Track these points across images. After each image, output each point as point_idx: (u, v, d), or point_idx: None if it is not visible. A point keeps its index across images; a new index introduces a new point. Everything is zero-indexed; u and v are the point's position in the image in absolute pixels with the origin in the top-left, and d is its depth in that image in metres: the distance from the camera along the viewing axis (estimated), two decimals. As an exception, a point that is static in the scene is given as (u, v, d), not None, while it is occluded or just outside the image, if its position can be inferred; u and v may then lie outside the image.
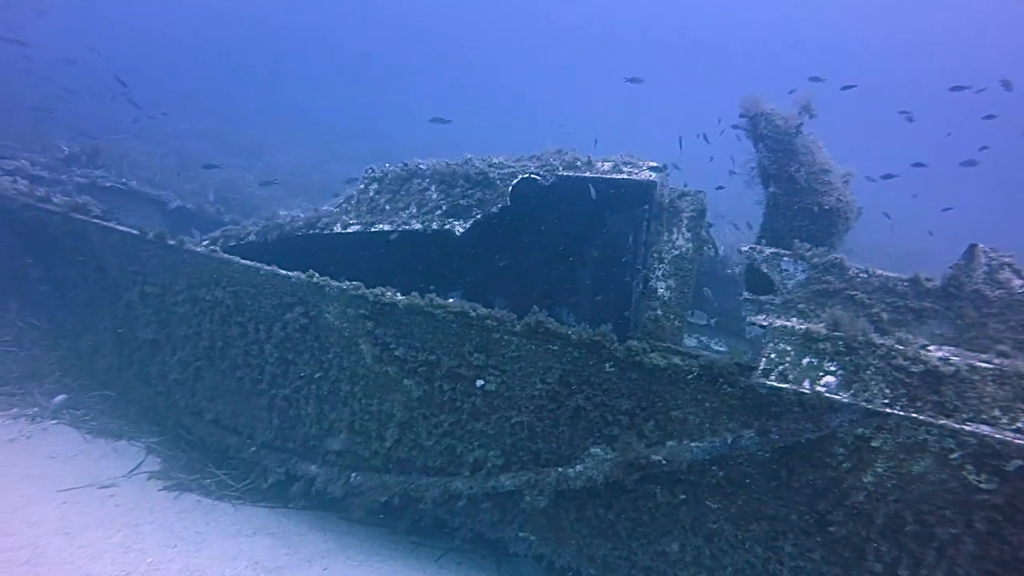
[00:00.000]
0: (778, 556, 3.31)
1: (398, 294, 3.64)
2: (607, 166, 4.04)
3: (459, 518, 3.98)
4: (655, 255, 3.88)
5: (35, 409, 5.50)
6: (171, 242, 4.47)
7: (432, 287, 4.01)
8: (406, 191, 4.51)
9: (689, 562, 3.48)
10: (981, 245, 3.29)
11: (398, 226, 4.32)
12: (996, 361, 2.93)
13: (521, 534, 3.85)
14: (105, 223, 4.78)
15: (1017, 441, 2.79)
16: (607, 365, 3.34)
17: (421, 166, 4.55)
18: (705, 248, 4.30)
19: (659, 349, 3.33)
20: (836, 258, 3.36)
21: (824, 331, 3.03)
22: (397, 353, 3.68)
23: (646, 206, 4.04)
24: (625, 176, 3.94)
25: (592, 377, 3.40)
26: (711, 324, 5.23)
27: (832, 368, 3.03)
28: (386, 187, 4.58)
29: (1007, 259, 3.22)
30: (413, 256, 4.25)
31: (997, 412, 2.85)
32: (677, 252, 3.90)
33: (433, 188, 4.45)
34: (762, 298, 3.48)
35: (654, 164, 4.03)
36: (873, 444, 3.04)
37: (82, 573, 3.61)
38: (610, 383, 3.37)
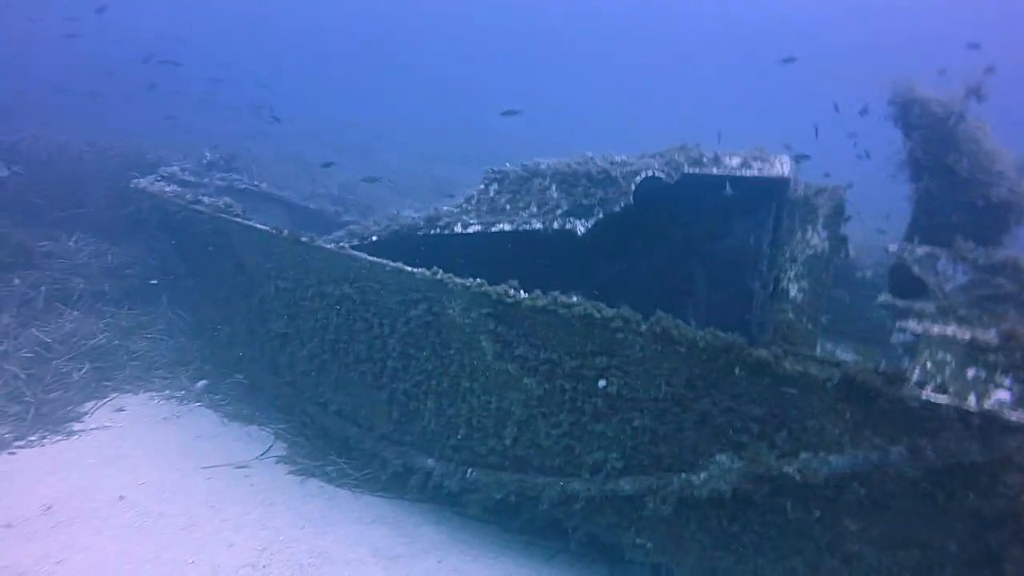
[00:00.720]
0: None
1: (521, 292, 3.64)
2: (735, 161, 3.86)
3: (575, 520, 3.92)
4: (787, 255, 3.65)
5: (182, 392, 6.03)
6: (303, 239, 4.72)
7: (553, 288, 3.99)
8: (526, 190, 4.52)
9: (814, 585, 3.24)
10: None
11: (519, 226, 4.34)
12: None
13: (638, 541, 3.74)
14: (246, 222, 5.13)
15: None
16: (736, 370, 3.18)
17: (541, 166, 4.55)
18: (842, 248, 4.01)
19: (793, 354, 3.13)
20: (1010, 257, 3.01)
21: (995, 340, 2.73)
22: (518, 351, 3.69)
23: (773, 204, 3.82)
24: (756, 172, 3.74)
25: (720, 382, 3.24)
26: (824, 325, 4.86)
27: (1006, 383, 2.72)
28: (507, 187, 4.61)
29: None
30: (534, 256, 4.25)
31: None
32: (811, 252, 3.65)
33: (554, 187, 4.43)
34: (915, 303, 3.18)
35: (787, 158, 3.80)
36: (1054, 471, 2.70)
37: (227, 543, 3.89)
38: (739, 389, 3.21)
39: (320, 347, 4.97)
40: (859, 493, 3.10)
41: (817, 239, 3.70)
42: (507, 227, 4.37)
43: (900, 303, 3.32)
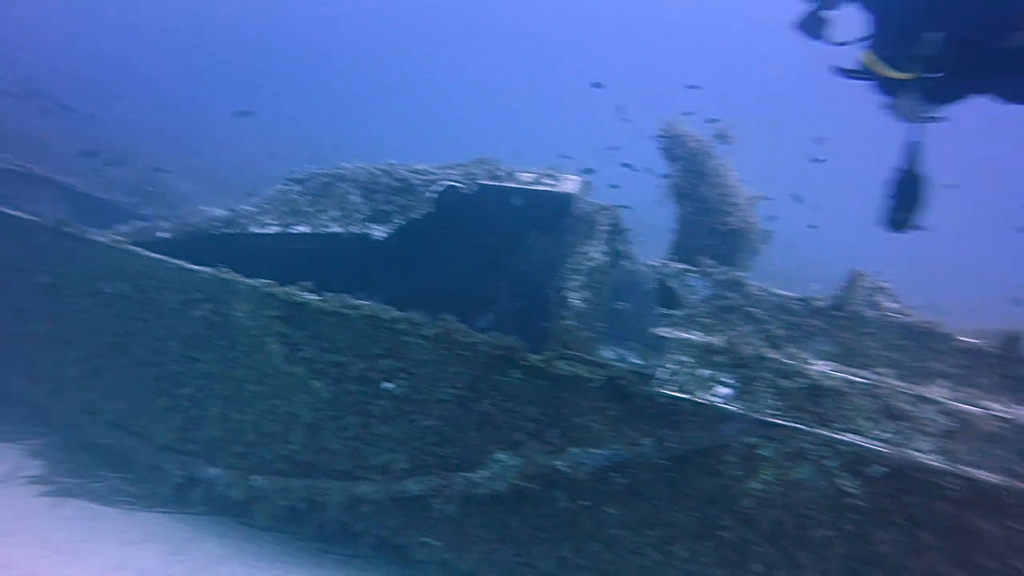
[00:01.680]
0: (671, 560, 3.43)
1: (310, 294, 3.60)
2: (528, 177, 4.15)
3: (364, 523, 3.93)
4: (570, 267, 3.99)
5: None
6: (70, 230, 4.25)
7: (356, 294, 3.99)
8: (329, 194, 4.47)
9: (587, 567, 3.55)
10: (860, 271, 3.56)
11: (317, 228, 4.27)
12: (868, 376, 3.17)
13: (426, 540, 3.83)
14: (-3, 207, 4.50)
15: (879, 449, 3.03)
16: (515, 372, 3.41)
17: (345, 170, 4.53)
18: (622, 262, 4.47)
19: (567, 358, 3.43)
20: (737, 276, 3.56)
21: (721, 344, 3.20)
22: (306, 354, 3.63)
23: (562, 219, 4.16)
24: (543, 188, 4.05)
25: (500, 384, 3.45)
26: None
27: (727, 380, 3.20)
28: (309, 189, 4.53)
29: (883, 285, 3.50)
30: (335, 262, 4.22)
31: (866, 423, 3.08)
32: (592, 264, 4.03)
33: (357, 193, 4.43)
34: (672, 312, 3.64)
35: (574, 177, 4.16)
36: (761, 453, 3.22)
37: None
38: (517, 390, 3.44)
39: (92, 350, 4.49)
40: (619, 483, 3.46)
41: (598, 253, 4.09)
42: (306, 229, 4.29)
43: (663, 312, 3.78)
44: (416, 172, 4.34)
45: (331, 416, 3.76)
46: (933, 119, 2.95)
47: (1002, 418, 3.00)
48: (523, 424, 3.46)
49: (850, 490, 3.12)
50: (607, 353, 4.05)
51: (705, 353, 3.24)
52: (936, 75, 2.73)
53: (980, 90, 2.87)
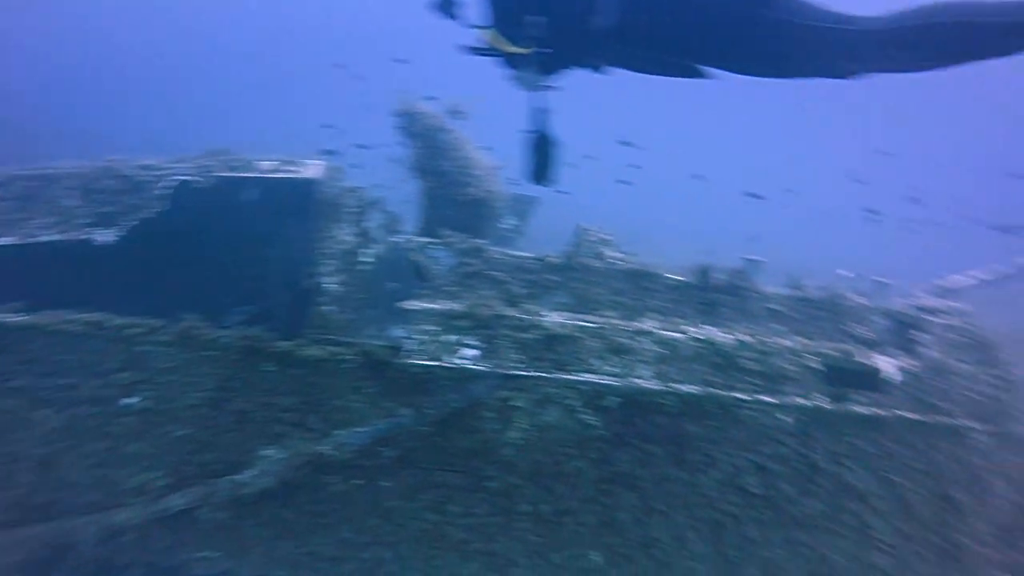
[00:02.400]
0: (448, 519, 3.62)
1: (13, 315, 3.18)
2: (268, 166, 4.01)
3: (128, 554, 3.62)
4: (322, 252, 3.95)
5: None
6: None
7: (81, 309, 3.59)
8: (37, 199, 3.95)
9: (369, 543, 3.63)
10: (585, 225, 3.96)
11: (25, 239, 3.77)
12: (597, 320, 3.57)
13: (201, 554, 3.64)
14: None
15: (613, 383, 3.44)
16: (266, 364, 3.33)
17: (55, 170, 4.02)
18: (383, 240, 4.51)
19: (319, 342, 3.42)
20: (476, 243, 3.78)
21: (462, 309, 3.39)
22: (19, 383, 3.22)
23: (309, 205, 4.09)
24: (285, 176, 3.95)
25: (252, 379, 3.35)
26: None
27: (472, 342, 3.40)
28: (10, 194, 3.96)
29: (607, 236, 3.93)
30: (51, 275, 3.75)
31: (597, 361, 3.48)
32: (344, 247, 4.03)
33: (74, 195, 3.96)
34: (423, 285, 3.76)
35: (317, 162, 4.10)
36: (515, 404, 3.49)
37: None
38: (270, 382, 3.36)
39: None
40: (389, 456, 3.55)
41: (348, 235, 4.10)
42: (13, 240, 3.76)
43: (417, 286, 3.89)
44: (144, 168, 3.99)
45: (67, 446, 3.39)
46: (550, 87, 3.37)
47: (698, 339, 3.55)
48: (283, 415, 3.40)
49: (593, 423, 3.51)
50: (374, 333, 4.10)
51: (449, 319, 3.41)
52: (548, 50, 3.11)
53: (589, 63, 3.33)
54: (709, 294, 3.86)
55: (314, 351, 3.35)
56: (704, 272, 3.84)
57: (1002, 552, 4.71)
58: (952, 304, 4.30)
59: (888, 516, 3.84)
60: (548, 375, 3.44)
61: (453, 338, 3.41)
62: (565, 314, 3.60)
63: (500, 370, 3.39)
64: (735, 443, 3.63)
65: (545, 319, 3.47)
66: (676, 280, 3.86)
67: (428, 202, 4.08)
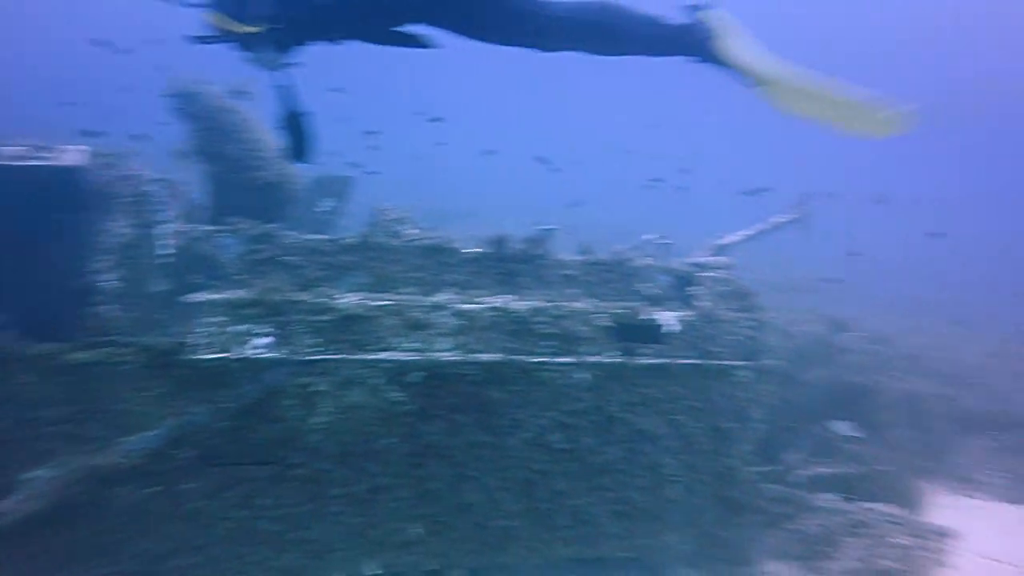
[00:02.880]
0: (257, 513, 3.52)
1: None
2: (15, 151, 3.55)
3: None
4: (92, 247, 3.61)
5: None
6: None
7: None
8: None
9: (174, 550, 3.44)
10: (382, 205, 3.98)
11: None
12: (394, 297, 3.61)
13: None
14: None
15: (415, 358, 3.52)
16: (25, 375, 3.00)
17: None
18: (156, 234, 4.19)
19: (91, 345, 3.13)
20: (267, 228, 3.65)
21: (250, 296, 3.28)
22: None
23: (75, 195, 3.70)
24: (40, 163, 3.53)
25: (10, 392, 3.01)
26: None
27: (264, 330, 3.30)
28: None
29: (403, 215, 3.98)
30: None
31: (397, 339, 3.53)
32: (121, 240, 3.70)
33: None
34: (213, 275, 3.57)
35: (77, 147, 3.70)
36: (317, 388, 3.45)
37: None
38: (35, 394, 3.04)
39: None
40: (187, 456, 3.36)
41: (126, 227, 3.77)
42: None
43: (207, 277, 3.69)
44: None
45: None
46: (290, 64, 3.38)
47: (495, 308, 3.73)
48: (51, 429, 3.09)
49: (398, 399, 3.57)
50: (159, 330, 3.82)
51: (238, 309, 3.28)
52: (279, 26, 3.11)
53: (323, 36, 3.38)
54: (506, 264, 4.05)
55: (84, 355, 3.06)
56: (500, 243, 4.02)
57: (759, 466, 5.50)
58: (721, 259, 4.87)
59: (674, 452, 4.32)
60: (348, 357, 3.43)
61: (243, 328, 3.28)
62: (362, 294, 3.60)
63: (296, 356, 3.33)
64: (537, 404, 3.88)
65: (341, 301, 3.45)
66: (473, 253, 4.00)
67: (215, 189, 3.85)
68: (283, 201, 4.01)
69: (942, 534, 4.55)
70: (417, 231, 3.94)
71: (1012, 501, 6.18)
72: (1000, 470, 6.47)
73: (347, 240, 3.78)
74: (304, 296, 3.37)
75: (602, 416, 4.06)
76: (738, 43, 3.38)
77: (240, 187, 3.81)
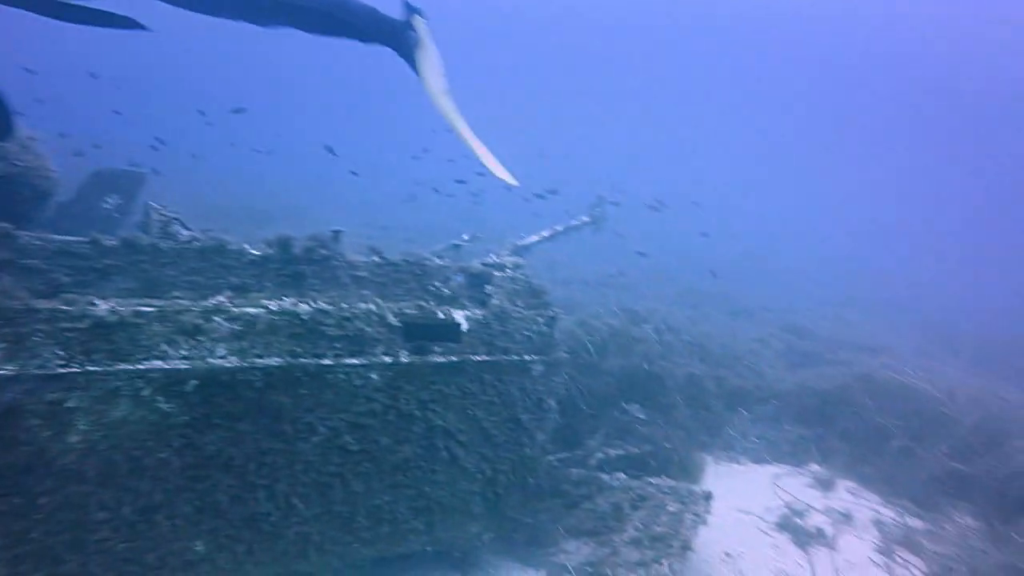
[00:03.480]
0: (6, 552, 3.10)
1: None
2: None
3: None
4: None
5: None
6: None
7: None
8: None
9: None
10: (153, 204, 3.70)
11: None
12: (163, 303, 3.38)
13: None
14: None
15: (184, 366, 3.31)
16: None
17: None
18: None
19: None
20: (4, 227, 3.23)
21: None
22: None
23: None
24: None
25: None
26: None
27: (-5, 344, 2.92)
28: None
29: (175, 215, 3.73)
30: None
31: (165, 346, 3.31)
32: None
33: None
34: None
35: None
36: (69, 405, 3.12)
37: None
38: None
39: None
40: None
41: None
42: None
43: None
44: None
45: None
46: None
47: (278, 311, 3.62)
48: None
49: (170, 410, 3.33)
50: None
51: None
52: None
53: (41, 11, 3.22)
54: (293, 266, 3.96)
55: None
56: (285, 244, 3.91)
57: (560, 453, 5.92)
58: (516, 259, 5.16)
59: (473, 446, 4.49)
60: (107, 368, 3.15)
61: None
62: (125, 300, 3.32)
63: (39, 371, 2.99)
64: (328, 407, 3.83)
65: (98, 308, 3.15)
66: (256, 255, 3.86)
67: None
68: (28, 198, 3.56)
69: (707, 497, 5.19)
70: (193, 231, 3.71)
71: (761, 462, 7.27)
72: (756, 437, 7.55)
73: (107, 241, 3.46)
74: (49, 304, 3.03)
75: (396, 415, 4.11)
76: (428, 58, 3.77)
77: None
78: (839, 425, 7.64)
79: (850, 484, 7.00)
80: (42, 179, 3.66)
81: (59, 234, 5.25)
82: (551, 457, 5.08)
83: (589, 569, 4.64)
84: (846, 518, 6.25)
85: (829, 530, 5.96)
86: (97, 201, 6.33)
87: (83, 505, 3.23)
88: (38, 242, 3.28)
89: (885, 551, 5.76)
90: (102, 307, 3.16)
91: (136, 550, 3.43)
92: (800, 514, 6.07)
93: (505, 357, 4.60)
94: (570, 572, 4.72)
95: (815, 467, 7.25)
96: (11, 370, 2.91)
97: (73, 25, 3.24)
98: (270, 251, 3.89)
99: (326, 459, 3.88)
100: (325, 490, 3.93)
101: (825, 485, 6.87)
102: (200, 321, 3.40)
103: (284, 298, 3.71)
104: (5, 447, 3.01)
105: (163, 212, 3.63)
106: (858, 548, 5.77)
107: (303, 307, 3.69)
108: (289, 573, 3.98)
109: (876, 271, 29.05)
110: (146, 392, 3.28)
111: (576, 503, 5.61)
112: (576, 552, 4.90)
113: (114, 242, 3.48)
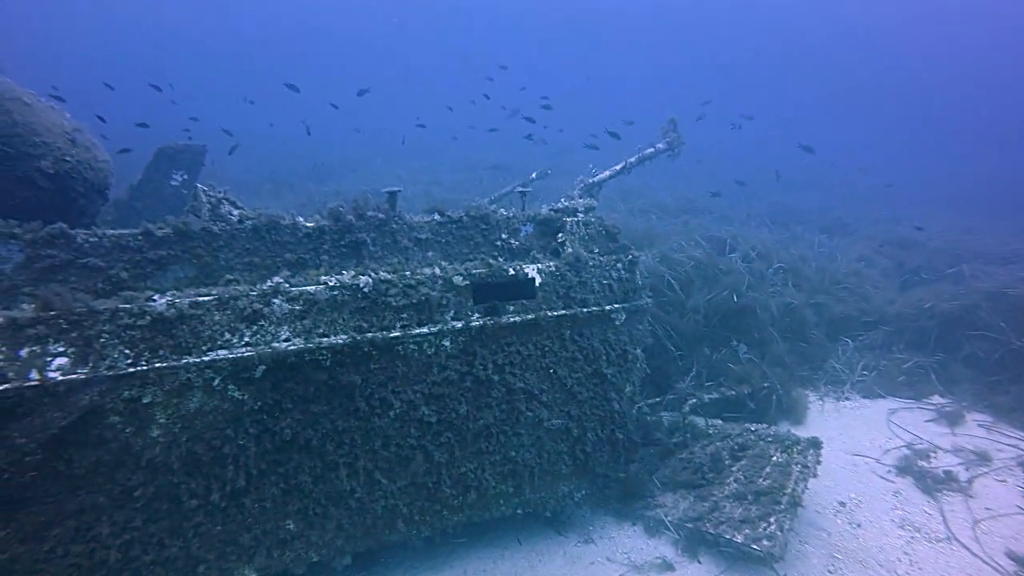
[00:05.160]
0: (101, 543, 3.18)
1: None
2: None
3: None
4: None
5: None
6: None
7: None
8: None
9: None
10: (201, 186, 3.53)
11: None
12: (217, 291, 3.25)
13: None
14: None
15: (250, 353, 3.19)
16: None
17: None
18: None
19: None
20: (56, 228, 3.15)
21: (33, 314, 2.83)
22: None
23: None
24: None
25: None
26: None
27: (60, 349, 2.88)
28: None
29: (223, 194, 3.55)
30: None
31: (228, 334, 3.19)
32: None
33: None
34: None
35: None
36: (145, 401, 3.09)
37: None
38: None
39: None
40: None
41: None
42: None
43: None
44: None
45: None
46: None
47: (338, 285, 3.43)
48: None
49: (242, 398, 3.26)
50: None
51: (14, 330, 2.82)
52: None
53: None
54: (352, 235, 3.73)
55: None
56: (337, 214, 3.68)
57: (650, 400, 5.56)
58: (588, 201, 4.73)
59: (555, 405, 4.25)
60: (175, 362, 3.08)
61: (37, 349, 2.84)
62: (184, 291, 3.21)
63: (109, 372, 2.94)
64: (401, 379, 3.67)
65: (156, 304, 3.05)
66: (310, 227, 3.66)
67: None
68: (83, 194, 3.48)
69: (815, 445, 4.76)
70: (243, 210, 3.54)
71: (873, 397, 6.63)
72: (865, 368, 6.90)
73: (160, 230, 3.34)
74: (110, 303, 2.95)
75: (472, 381, 3.91)
76: None
77: (23, 183, 3.25)
78: (964, 350, 6.86)
79: (982, 417, 6.18)
80: (94, 171, 3.56)
81: (134, 217, 5.22)
82: (640, 407, 4.78)
83: (689, 525, 4.38)
84: (981, 458, 5.47)
85: (961, 472, 5.27)
86: (165, 179, 6.34)
87: (174, 494, 3.25)
88: (94, 239, 3.19)
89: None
90: (160, 302, 3.06)
91: (231, 532, 3.46)
92: (924, 455, 5.47)
93: (584, 309, 4.27)
94: (668, 527, 4.49)
95: (937, 399, 6.52)
96: (84, 373, 2.87)
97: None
98: (324, 222, 3.67)
99: (404, 433, 3.76)
100: (407, 463, 3.83)
101: (951, 419, 6.08)
102: (259, 305, 3.26)
103: (343, 272, 3.51)
104: (93, 445, 3.03)
105: (211, 193, 3.46)
106: (1000, 493, 5.01)
107: (363, 279, 3.48)
108: (381, 544, 3.95)
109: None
110: (217, 382, 3.20)
111: (670, 451, 5.32)
112: (673, 506, 4.64)
113: (167, 231, 3.35)
